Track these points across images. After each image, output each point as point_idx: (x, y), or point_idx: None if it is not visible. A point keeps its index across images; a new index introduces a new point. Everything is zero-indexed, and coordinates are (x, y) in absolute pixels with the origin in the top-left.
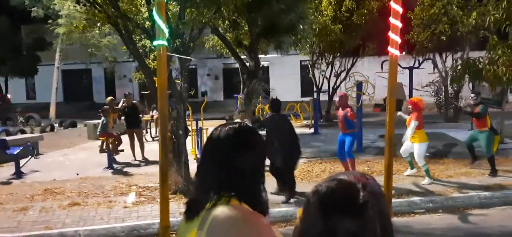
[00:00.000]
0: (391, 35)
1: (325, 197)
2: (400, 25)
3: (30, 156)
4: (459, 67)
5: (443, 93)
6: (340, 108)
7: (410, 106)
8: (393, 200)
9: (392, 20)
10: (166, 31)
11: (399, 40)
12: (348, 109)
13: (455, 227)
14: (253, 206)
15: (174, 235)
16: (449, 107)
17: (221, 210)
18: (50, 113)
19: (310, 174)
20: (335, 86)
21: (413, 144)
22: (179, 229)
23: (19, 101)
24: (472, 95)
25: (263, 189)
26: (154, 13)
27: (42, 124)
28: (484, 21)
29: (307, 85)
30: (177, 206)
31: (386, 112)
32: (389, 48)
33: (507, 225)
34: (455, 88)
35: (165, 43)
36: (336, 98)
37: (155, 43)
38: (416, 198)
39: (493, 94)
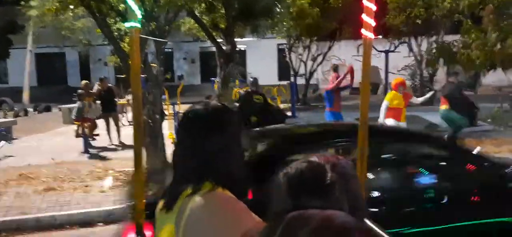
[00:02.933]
0: (364, 17)
1: (293, 178)
2: (374, 7)
3: (3, 141)
4: (434, 51)
5: (419, 77)
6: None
7: (401, 87)
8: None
9: (365, 2)
10: (138, 12)
11: (373, 23)
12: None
13: None
14: (232, 189)
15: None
16: (424, 90)
17: (198, 201)
18: (24, 98)
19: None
20: (312, 70)
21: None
22: (157, 219)
23: None
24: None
25: (243, 170)
26: None
27: (16, 109)
28: (459, 5)
29: (284, 69)
30: None
31: (360, 95)
32: (363, 31)
33: None
34: (430, 72)
35: (138, 24)
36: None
37: (127, 24)
38: None
39: (466, 77)
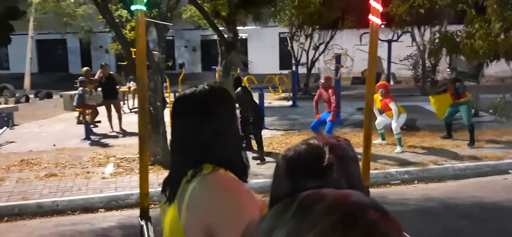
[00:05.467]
0: (372, 2)
1: (291, 160)
2: None
3: (5, 127)
4: (437, 41)
5: (421, 67)
6: (325, 89)
7: (381, 90)
8: (370, 171)
9: None
10: None
11: (380, 8)
12: (331, 90)
13: (429, 198)
14: (232, 171)
15: (152, 206)
16: (426, 80)
17: (200, 181)
18: (25, 84)
19: (288, 146)
20: (314, 59)
21: (390, 118)
22: (161, 210)
23: None
24: (448, 70)
25: (243, 154)
26: None
27: (17, 95)
28: None
29: (286, 58)
30: (156, 177)
31: (366, 83)
32: (370, 16)
33: (478, 195)
34: (432, 62)
35: (143, 7)
36: (321, 80)
37: (133, 7)
38: (392, 170)
39: (469, 67)
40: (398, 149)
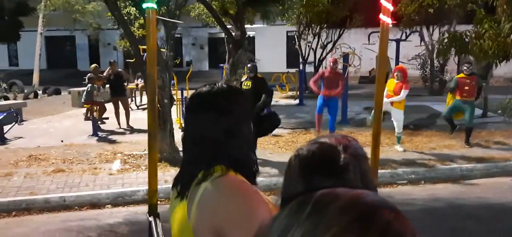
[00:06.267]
0: (383, 2)
1: (306, 160)
2: None
3: (13, 123)
4: (445, 40)
5: (429, 67)
6: (333, 73)
7: (398, 73)
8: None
9: None
10: None
11: (391, 7)
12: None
13: (436, 198)
14: (242, 172)
15: (159, 202)
16: (435, 80)
17: (211, 182)
18: (34, 80)
19: (295, 145)
20: (321, 58)
21: (396, 110)
22: (170, 206)
23: (1, 67)
24: (466, 64)
25: (254, 157)
26: None
27: (26, 91)
28: None
29: (293, 56)
30: (162, 174)
31: (376, 82)
32: (381, 16)
33: (486, 196)
34: (441, 62)
35: (155, 6)
36: (330, 63)
37: (145, 5)
38: (399, 169)
39: (478, 68)
40: (398, 147)
